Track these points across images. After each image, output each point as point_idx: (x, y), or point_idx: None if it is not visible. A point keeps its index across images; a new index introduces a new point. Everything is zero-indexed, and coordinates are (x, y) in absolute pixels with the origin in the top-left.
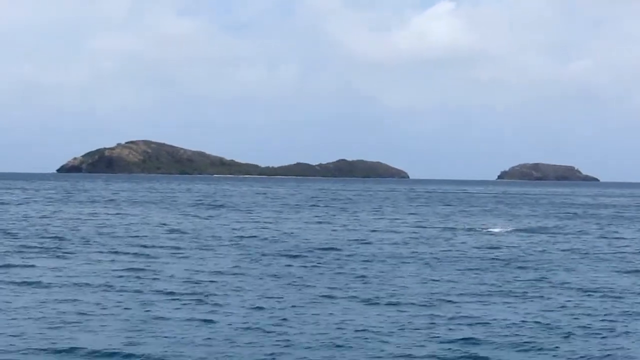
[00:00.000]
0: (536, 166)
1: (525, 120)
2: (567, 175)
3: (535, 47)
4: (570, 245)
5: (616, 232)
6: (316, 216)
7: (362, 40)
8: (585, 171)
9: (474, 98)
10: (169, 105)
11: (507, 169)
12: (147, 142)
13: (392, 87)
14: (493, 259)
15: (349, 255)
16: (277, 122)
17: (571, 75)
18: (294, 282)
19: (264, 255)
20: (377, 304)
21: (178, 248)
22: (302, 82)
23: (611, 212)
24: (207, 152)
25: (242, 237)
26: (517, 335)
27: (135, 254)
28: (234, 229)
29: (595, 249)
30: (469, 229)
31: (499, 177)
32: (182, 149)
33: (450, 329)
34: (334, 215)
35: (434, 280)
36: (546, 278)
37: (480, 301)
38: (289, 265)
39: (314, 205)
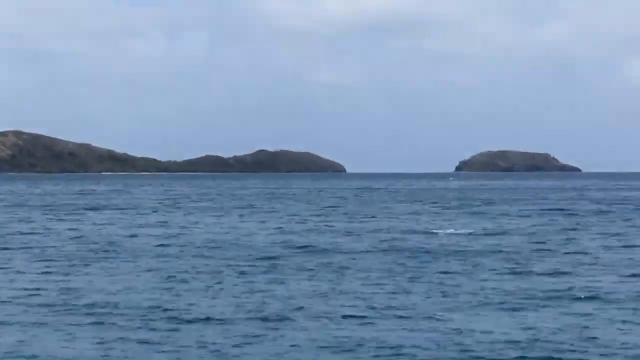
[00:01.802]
0: (503, 154)
1: (488, 100)
2: (540, 164)
3: (498, 10)
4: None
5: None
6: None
7: (284, 4)
8: (563, 159)
9: (425, 74)
10: (45, 89)
11: (467, 157)
12: (18, 134)
13: (323, 62)
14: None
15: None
16: (180, 107)
17: (543, 43)
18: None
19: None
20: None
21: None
22: (210, 58)
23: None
24: (94, 144)
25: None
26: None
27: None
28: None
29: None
30: (411, 231)
31: (457, 168)
32: (62, 141)
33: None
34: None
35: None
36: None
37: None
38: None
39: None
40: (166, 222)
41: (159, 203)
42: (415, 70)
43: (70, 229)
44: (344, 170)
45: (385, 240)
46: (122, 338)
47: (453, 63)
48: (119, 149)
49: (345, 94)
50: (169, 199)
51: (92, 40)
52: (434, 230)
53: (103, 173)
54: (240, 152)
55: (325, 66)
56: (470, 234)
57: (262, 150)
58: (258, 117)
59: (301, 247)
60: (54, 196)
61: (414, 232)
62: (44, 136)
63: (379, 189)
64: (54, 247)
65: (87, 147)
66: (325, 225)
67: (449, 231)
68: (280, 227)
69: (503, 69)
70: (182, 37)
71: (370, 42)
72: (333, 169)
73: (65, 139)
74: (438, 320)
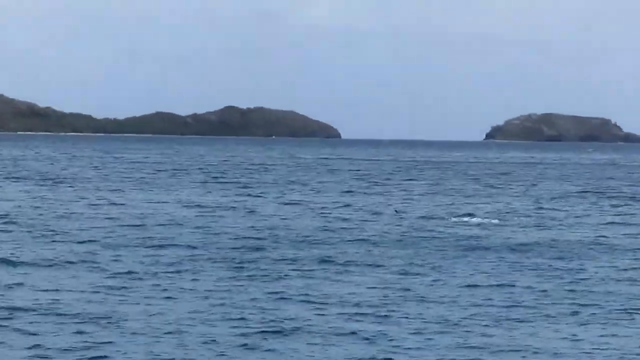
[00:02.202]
0: (548, 118)
1: (527, 48)
2: (597, 132)
3: None
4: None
5: None
6: None
7: None
8: (627, 127)
9: (444, 16)
10: None
11: (500, 123)
12: None
13: None
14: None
15: None
16: (123, 51)
17: None
18: None
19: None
20: None
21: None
22: None
23: None
24: (8, 95)
25: None
26: None
27: None
28: None
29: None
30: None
31: (487, 135)
32: None
33: None
34: None
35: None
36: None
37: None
38: None
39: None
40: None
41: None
42: (434, 10)
43: None
44: (339, 136)
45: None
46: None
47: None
48: (41, 102)
49: (344, 38)
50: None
51: None
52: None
53: (20, 133)
54: (203, 110)
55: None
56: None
57: (231, 107)
58: (225, 65)
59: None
60: None
61: None
62: None
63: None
64: None
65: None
66: None
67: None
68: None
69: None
70: None
71: None
72: (325, 133)
73: None
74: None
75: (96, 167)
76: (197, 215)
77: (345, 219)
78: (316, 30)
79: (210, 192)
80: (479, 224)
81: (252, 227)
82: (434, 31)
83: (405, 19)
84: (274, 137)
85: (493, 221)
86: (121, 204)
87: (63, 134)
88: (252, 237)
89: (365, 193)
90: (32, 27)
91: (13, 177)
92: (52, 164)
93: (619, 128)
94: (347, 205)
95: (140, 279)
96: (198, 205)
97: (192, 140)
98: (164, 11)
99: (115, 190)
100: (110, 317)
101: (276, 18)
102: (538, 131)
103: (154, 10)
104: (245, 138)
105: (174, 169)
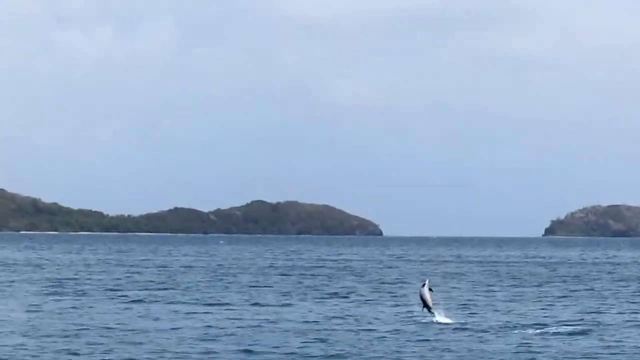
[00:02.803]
0: (616, 210)
1: (593, 129)
2: None
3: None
4: None
5: None
6: None
7: None
8: None
9: (490, 95)
10: None
11: (561, 216)
12: None
13: (347, 68)
14: None
15: None
16: (134, 138)
17: None
18: None
19: None
20: None
21: None
22: (180, 54)
23: None
24: (10, 190)
25: None
26: None
27: None
28: None
29: None
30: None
31: (546, 231)
32: None
33: None
34: None
35: None
36: None
37: None
38: None
39: None
40: None
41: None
42: (482, 90)
43: None
44: (380, 233)
45: None
46: None
47: (538, 70)
48: (46, 197)
49: (386, 115)
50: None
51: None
52: None
53: (23, 232)
54: (227, 205)
55: (350, 76)
56: None
57: (259, 202)
58: (251, 154)
59: None
60: None
61: None
62: None
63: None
64: None
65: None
66: None
67: None
68: None
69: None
70: (139, 28)
71: (417, 40)
72: (364, 230)
73: None
74: None
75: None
76: None
77: None
78: (348, 110)
79: None
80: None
81: None
82: (481, 110)
83: (447, 97)
84: (307, 234)
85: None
86: None
87: (73, 233)
88: None
89: None
90: (31, 112)
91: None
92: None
93: None
94: None
95: None
96: None
97: (217, 239)
98: (182, 93)
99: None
100: None
101: (306, 97)
102: (604, 225)
103: (170, 92)
104: (274, 236)
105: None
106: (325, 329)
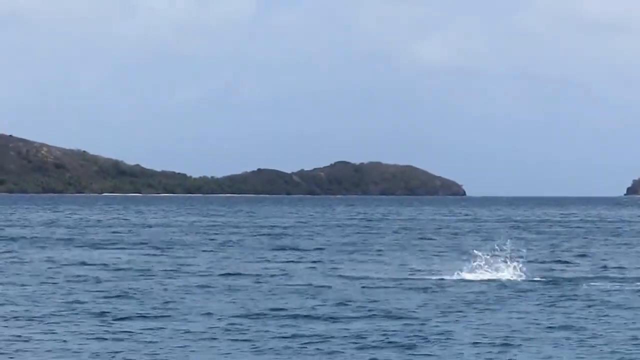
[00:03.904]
0: None
1: None
2: None
3: None
4: None
5: None
6: None
7: None
8: None
9: (575, 57)
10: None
11: None
12: None
13: (434, 29)
14: None
15: None
16: (216, 99)
17: None
18: None
19: None
20: None
21: None
22: (259, 17)
23: None
24: (91, 151)
25: None
26: None
27: None
28: None
29: None
30: None
31: (629, 190)
32: (40, 144)
33: None
34: None
35: None
36: None
37: None
38: None
39: None
40: None
41: None
42: (568, 47)
43: None
44: (464, 193)
45: None
46: None
47: (621, 34)
48: (129, 159)
49: (464, 80)
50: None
51: None
52: None
53: (106, 194)
54: (310, 165)
55: (438, 37)
56: None
57: (342, 162)
58: (333, 115)
59: None
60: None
61: None
62: (14, 137)
63: None
64: None
65: (81, 156)
66: None
67: None
68: None
69: None
70: None
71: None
72: (447, 191)
73: (45, 142)
74: None
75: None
76: None
77: None
78: (433, 72)
79: None
80: None
81: None
82: (564, 74)
83: (530, 60)
84: (390, 194)
85: None
86: None
87: (155, 195)
88: None
89: None
90: (113, 76)
91: None
92: None
93: None
94: None
95: None
96: None
97: (296, 202)
98: (263, 55)
99: None
100: None
101: (388, 59)
102: None
103: (251, 55)
104: (359, 196)
105: None
106: None
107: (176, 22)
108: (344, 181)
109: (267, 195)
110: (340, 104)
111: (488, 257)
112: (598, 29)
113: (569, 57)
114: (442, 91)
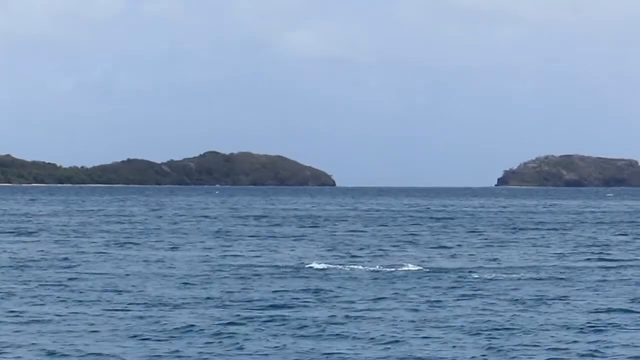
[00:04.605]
0: (568, 161)
1: (544, 85)
2: (622, 176)
3: None
4: None
5: None
6: None
7: None
8: None
9: (448, 46)
10: None
11: (514, 166)
12: None
13: (302, 20)
14: None
15: None
16: (87, 86)
17: None
18: None
19: None
20: None
21: None
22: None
23: None
24: None
25: None
26: None
27: None
28: None
29: None
30: None
31: (499, 181)
32: None
33: None
34: None
35: None
36: None
37: None
38: None
39: None
40: None
41: None
42: (436, 42)
43: None
44: (333, 183)
45: None
46: None
47: (496, 23)
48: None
49: (335, 71)
50: None
51: None
52: None
53: None
54: (181, 156)
55: (306, 27)
56: None
57: (212, 153)
58: (204, 105)
59: None
60: None
61: None
62: None
63: None
64: None
65: None
66: None
67: None
68: None
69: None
70: None
71: None
72: (317, 181)
73: None
74: None
75: None
76: None
77: None
78: (306, 62)
79: None
80: None
81: None
82: (435, 64)
83: (402, 50)
84: (260, 185)
85: None
86: None
87: (25, 185)
88: None
89: None
90: None
91: None
92: None
93: None
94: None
95: None
96: None
97: (170, 191)
98: (135, 44)
99: None
100: None
101: (260, 49)
102: (556, 175)
103: (125, 44)
104: (230, 187)
105: None
106: None
107: (50, 11)
108: (215, 171)
109: (137, 186)
110: (211, 94)
111: None
112: (473, 17)
113: (443, 45)
114: (314, 82)
